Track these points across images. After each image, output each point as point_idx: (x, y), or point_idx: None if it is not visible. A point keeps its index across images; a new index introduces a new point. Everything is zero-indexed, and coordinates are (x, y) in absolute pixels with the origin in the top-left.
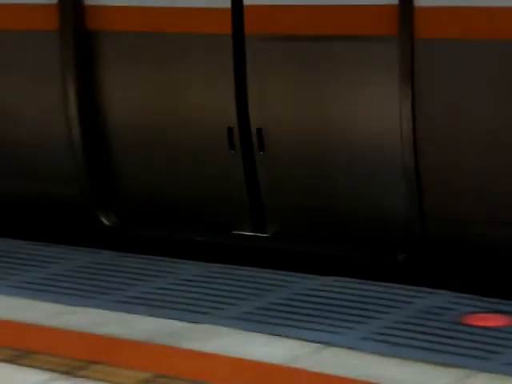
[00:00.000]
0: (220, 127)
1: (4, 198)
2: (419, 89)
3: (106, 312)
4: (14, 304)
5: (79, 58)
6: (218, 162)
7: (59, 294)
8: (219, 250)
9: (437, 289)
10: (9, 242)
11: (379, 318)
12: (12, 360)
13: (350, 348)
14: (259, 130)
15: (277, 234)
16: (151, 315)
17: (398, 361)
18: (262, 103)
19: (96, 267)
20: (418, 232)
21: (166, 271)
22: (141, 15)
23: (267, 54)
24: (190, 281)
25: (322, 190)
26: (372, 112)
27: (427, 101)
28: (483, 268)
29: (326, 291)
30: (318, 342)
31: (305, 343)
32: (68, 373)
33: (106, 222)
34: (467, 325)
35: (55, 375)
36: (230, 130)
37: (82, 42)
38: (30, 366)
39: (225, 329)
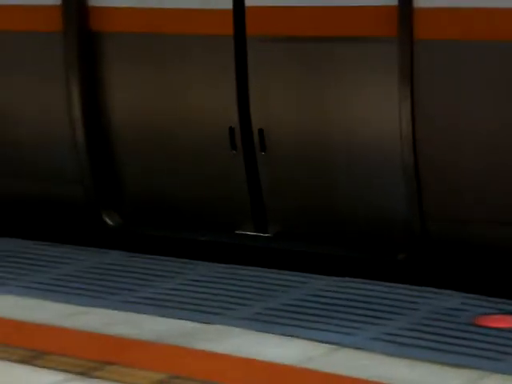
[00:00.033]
0: (222, 128)
1: (9, 198)
2: (419, 89)
3: (117, 312)
4: (24, 304)
5: (83, 58)
6: (220, 163)
7: (69, 295)
8: (222, 249)
9: (441, 288)
10: (17, 243)
11: (391, 319)
12: (26, 360)
13: (362, 349)
14: (261, 131)
15: (278, 233)
16: (162, 316)
17: (409, 362)
18: (264, 104)
19: (105, 268)
20: (418, 231)
21: (175, 271)
22: (144, 16)
23: (268, 54)
24: (199, 281)
25: (323, 190)
26: (372, 113)
27: (426, 101)
28: (483, 267)
29: (337, 292)
30: (329, 343)
31: (317, 344)
32: (83, 373)
33: (109, 222)
34: (480, 326)
35: (70, 376)
36: (231, 130)
37: (85, 43)
38: (45, 367)
39: (237, 329)
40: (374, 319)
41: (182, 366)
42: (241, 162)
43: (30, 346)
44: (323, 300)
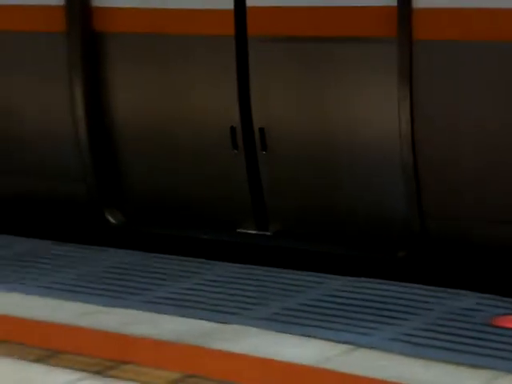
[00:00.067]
0: (223, 127)
1: (12, 197)
2: (418, 90)
3: (135, 312)
4: (43, 304)
5: (86, 59)
6: (221, 162)
7: (88, 295)
8: (224, 247)
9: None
10: (35, 242)
11: (407, 319)
12: (42, 360)
13: (378, 349)
14: (261, 130)
15: (279, 232)
16: (180, 315)
17: (425, 362)
18: (265, 103)
19: (123, 267)
20: (417, 230)
21: (192, 271)
22: (147, 17)
23: (269, 54)
24: (216, 281)
25: (323, 189)
26: (372, 112)
27: (425, 101)
28: (482, 266)
29: (353, 292)
30: (346, 343)
31: (334, 344)
32: (98, 372)
33: (112, 220)
34: (496, 326)
35: (85, 375)
36: (233, 129)
37: (88, 44)
38: (61, 366)
39: (254, 329)
40: (390, 319)
41: (198, 366)
42: (242, 161)
43: (46, 346)
44: (340, 300)
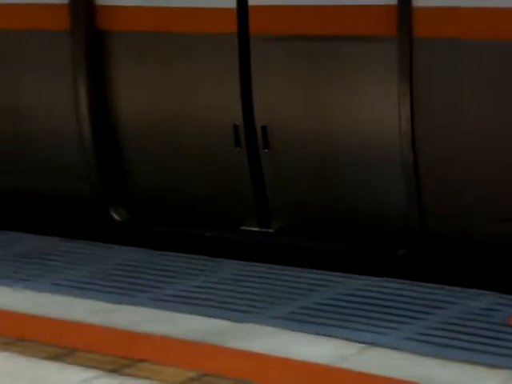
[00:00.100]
0: (226, 125)
1: (16, 194)
2: (418, 88)
3: (147, 310)
4: (55, 302)
5: (90, 57)
6: (224, 160)
7: (99, 292)
8: (227, 245)
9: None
10: (43, 240)
11: (424, 319)
12: (57, 358)
13: (395, 348)
14: (264, 128)
15: (281, 229)
16: (195, 314)
17: (443, 362)
18: (267, 102)
19: (134, 265)
20: (417, 228)
21: (201, 269)
22: (150, 15)
23: (271, 53)
24: (231, 279)
25: (325, 186)
26: (374, 110)
27: (425, 99)
28: (482, 263)
29: (370, 291)
30: (363, 342)
31: (350, 343)
32: (114, 371)
33: (116, 217)
34: None
35: (101, 373)
36: (235, 128)
37: (92, 42)
38: (75, 364)
39: (270, 328)
40: (407, 319)
41: (214, 364)
42: (245, 159)
43: (61, 343)
44: (356, 299)
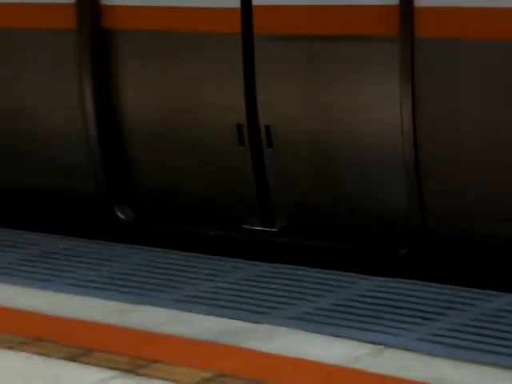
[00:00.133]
0: (230, 124)
1: (22, 193)
2: (419, 87)
3: (165, 310)
4: (71, 302)
5: (96, 56)
6: (228, 158)
7: (117, 292)
8: (230, 243)
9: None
10: (63, 240)
11: (438, 320)
12: (74, 358)
13: (409, 349)
14: (267, 127)
15: (284, 228)
16: (210, 314)
17: (456, 363)
18: (270, 101)
19: (152, 265)
20: (419, 227)
21: (222, 270)
22: (155, 15)
23: (275, 53)
24: (246, 280)
25: (328, 186)
26: (376, 110)
27: (427, 99)
28: (482, 262)
29: (384, 292)
30: (376, 343)
31: (364, 344)
32: (130, 371)
33: (121, 216)
34: None
35: (117, 373)
36: (239, 127)
37: (98, 41)
38: (92, 364)
39: (284, 329)
40: (420, 320)
41: (229, 365)
42: (248, 158)
43: (78, 344)
44: (371, 300)
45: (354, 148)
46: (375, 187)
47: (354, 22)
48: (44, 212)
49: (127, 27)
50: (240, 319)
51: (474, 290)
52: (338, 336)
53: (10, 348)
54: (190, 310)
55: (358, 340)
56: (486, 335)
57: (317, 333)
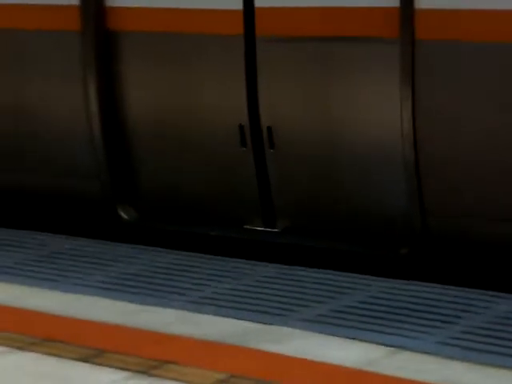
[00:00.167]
0: (232, 125)
1: (26, 193)
2: (419, 89)
3: (179, 312)
4: (85, 303)
5: (100, 57)
6: (230, 159)
7: (130, 293)
8: (232, 244)
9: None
10: (78, 241)
11: (455, 323)
12: (86, 359)
13: (425, 352)
14: (269, 128)
15: (286, 228)
16: (223, 316)
17: (472, 365)
18: (272, 102)
19: (168, 267)
20: (419, 227)
21: (236, 272)
22: (158, 16)
23: (277, 54)
24: (260, 282)
25: (329, 186)
26: (377, 111)
27: (427, 101)
28: (482, 262)
29: (401, 295)
30: (392, 346)
31: (379, 347)
32: (142, 372)
33: (124, 216)
34: None
35: (130, 374)
36: (241, 128)
37: (103, 42)
38: (105, 365)
39: (299, 331)
40: (437, 322)
41: (243, 367)
42: (250, 159)
43: (90, 345)
44: (386, 302)
45: (355, 149)
46: (376, 188)
47: (356, 23)
48: (48, 212)
49: (131, 29)
50: (254, 321)
51: (493, 292)
52: (353, 338)
53: (20, 348)
54: (204, 312)
55: (374, 343)
56: (501, 338)
57: (332, 335)
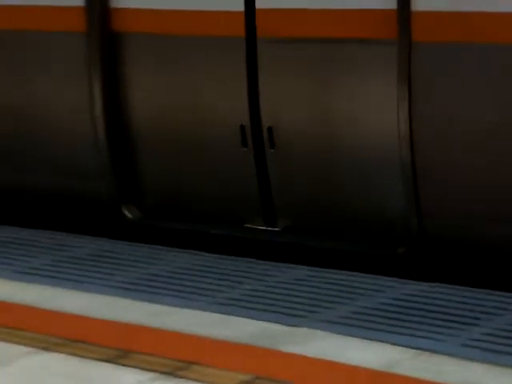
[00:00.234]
0: (233, 126)
1: (31, 193)
2: (416, 90)
3: (205, 313)
4: (113, 304)
5: (105, 58)
6: (231, 159)
7: (158, 295)
8: (233, 242)
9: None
10: (108, 243)
11: (477, 325)
12: (112, 359)
13: (446, 354)
14: (270, 129)
15: (287, 228)
16: (248, 317)
17: (494, 367)
18: (273, 103)
19: (192, 268)
20: (416, 228)
21: (260, 273)
22: (162, 18)
23: (277, 55)
24: (284, 283)
25: (329, 187)
26: (377, 113)
27: (424, 102)
28: (476, 262)
29: (423, 297)
30: (412, 348)
31: (400, 348)
32: (168, 373)
33: (129, 215)
34: None
35: (155, 375)
36: (242, 128)
37: (107, 44)
38: (130, 366)
39: (321, 332)
40: (459, 324)
41: (267, 368)
42: (251, 159)
43: (116, 345)
44: (408, 304)
45: (354, 150)
46: (374, 188)
47: (355, 25)
48: (54, 212)
49: (136, 30)
50: (277, 322)
51: (508, 294)
52: (374, 340)
53: (45, 349)
54: (230, 313)
55: (396, 344)
56: None
57: (354, 336)
